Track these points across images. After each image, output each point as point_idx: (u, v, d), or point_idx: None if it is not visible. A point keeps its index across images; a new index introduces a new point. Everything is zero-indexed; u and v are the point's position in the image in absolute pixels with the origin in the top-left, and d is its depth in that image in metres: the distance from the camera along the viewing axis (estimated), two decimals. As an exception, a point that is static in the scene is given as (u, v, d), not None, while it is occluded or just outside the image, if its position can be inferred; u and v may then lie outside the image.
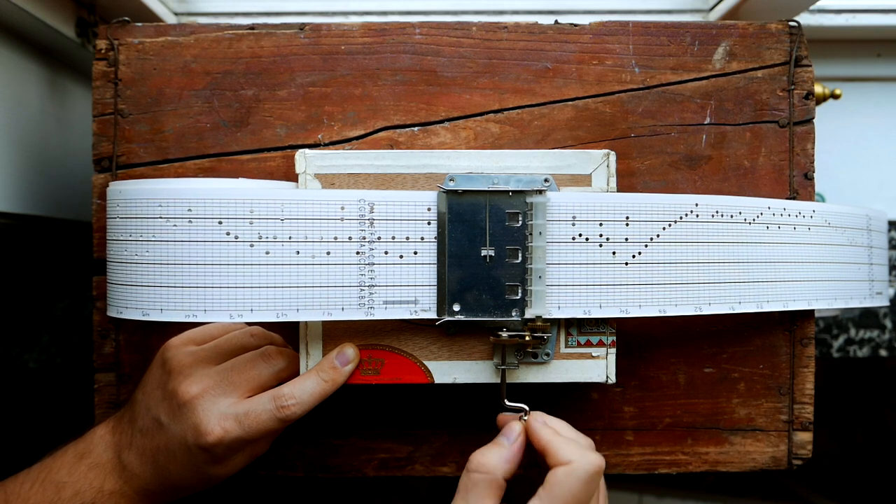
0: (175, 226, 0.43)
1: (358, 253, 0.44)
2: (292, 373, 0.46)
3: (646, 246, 0.45)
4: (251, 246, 0.43)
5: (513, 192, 0.44)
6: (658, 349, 0.53)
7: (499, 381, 0.46)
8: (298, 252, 0.43)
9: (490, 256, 0.44)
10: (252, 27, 0.52)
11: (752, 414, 0.53)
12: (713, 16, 0.70)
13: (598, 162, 0.46)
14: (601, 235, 0.45)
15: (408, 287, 0.44)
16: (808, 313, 0.53)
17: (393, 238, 0.44)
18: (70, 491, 0.43)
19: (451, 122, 0.52)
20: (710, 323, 0.53)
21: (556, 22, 0.53)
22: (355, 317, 0.44)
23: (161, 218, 0.43)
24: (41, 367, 0.74)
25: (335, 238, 0.44)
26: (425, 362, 0.46)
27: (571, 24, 0.53)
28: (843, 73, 0.76)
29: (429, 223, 0.44)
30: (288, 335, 0.48)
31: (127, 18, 0.53)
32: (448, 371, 0.46)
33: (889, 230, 0.73)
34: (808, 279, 0.50)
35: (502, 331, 0.44)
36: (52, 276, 0.75)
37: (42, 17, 0.58)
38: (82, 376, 0.68)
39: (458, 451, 0.53)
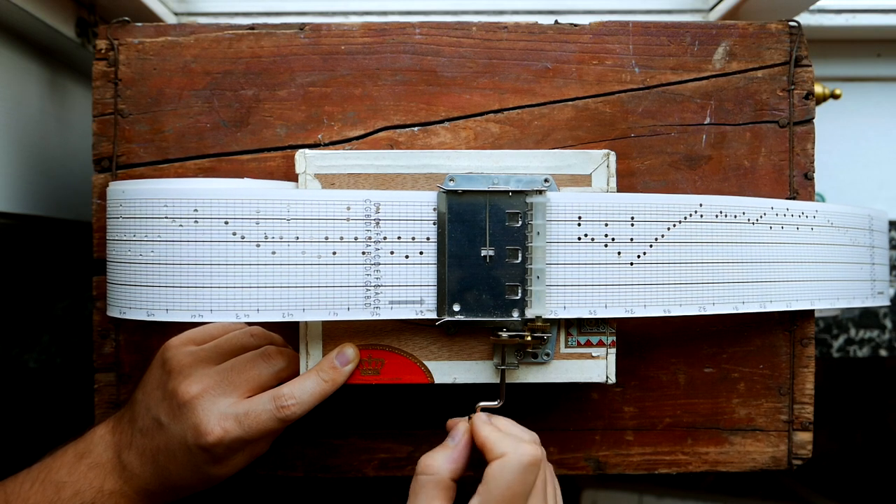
0: (181, 226, 0.43)
1: (364, 253, 0.44)
2: (292, 373, 0.46)
3: (650, 246, 0.45)
4: (257, 246, 0.43)
5: (513, 192, 0.44)
6: (658, 349, 0.53)
7: (499, 381, 0.46)
8: (304, 252, 0.43)
9: (490, 256, 0.44)
10: (252, 27, 0.52)
11: (752, 414, 0.53)
12: (713, 16, 0.70)
13: (598, 162, 0.46)
14: (606, 236, 0.45)
15: (414, 287, 0.44)
16: (808, 313, 0.53)
17: (399, 238, 0.44)
18: (70, 491, 0.43)
19: (451, 122, 0.52)
20: (710, 323, 0.53)
21: (556, 22, 0.53)
22: (361, 317, 0.44)
23: (166, 218, 0.43)
24: (41, 367, 0.74)
25: (341, 238, 0.44)
26: (425, 362, 0.46)
27: (571, 24, 0.53)
28: (843, 73, 0.76)
29: (433, 223, 0.44)
30: (288, 335, 0.48)
31: (127, 18, 0.53)
32: (448, 371, 0.46)
33: (889, 230, 0.73)
34: (811, 279, 0.51)
35: (502, 331, 0.44)
36: (52, 276, 0.75)
37: (42, 17, 0.58)
38: (82, 376, 0.68)
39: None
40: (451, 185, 0.44)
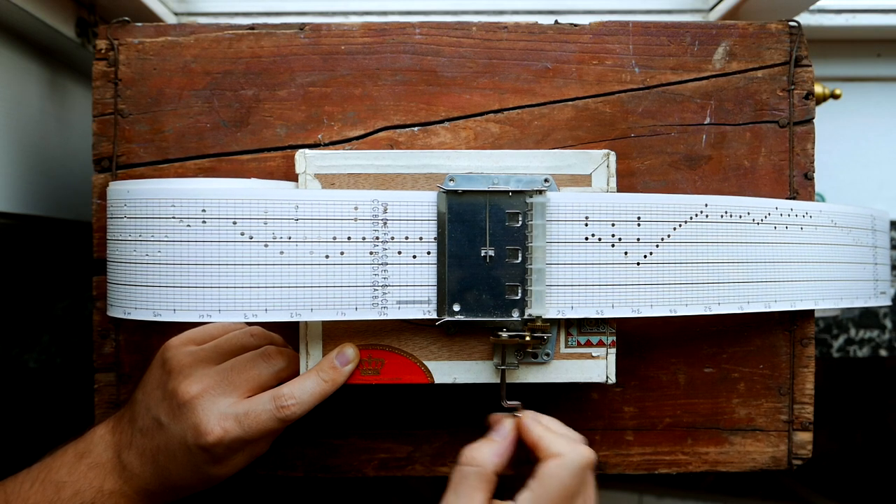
0: (189, 226, 0.43)
1: (371, 253, 0.44)
2: (292, 373, 0.46)
3: (657, 246, 0.46)
4: (266, 246, 0.43)
5: (513, 192, 0.44)
6: (658, 349, 0.53)
7: (499, 381, 0.46)
8: (312, 252, 0.43)
9: (490, 256, 0.44)
10: (252, 27, 0.52)
11: (752, 414, 0.53)
12: (713, 16, 0.70)
13: (598, 162, 0.46)
14: (613, 236, 0.45)
15: (421, 287, 0.44)
16: (809, 313, 0.53)
17: (406, 238, 0.44)
18: (70, 490, 0.43)
19: (451, 122, 0.52)
20: (710, 323, 0.53)
21: (556, 22, 0.53)
22: (369, 317, 0.44)
23: (174, 218, 0.43)
24: (41, 367, 0.74)
25: (349, 238, 0.44)
26: (425, 362, 0.46)
27: (571, 24, 0.53)
28: (843, 73, 0.76)
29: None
30: (288, 335, 0.48)
31: (127, 18, 0.53)
32: (448, 371, 0.46)
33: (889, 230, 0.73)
34: (815, 279, 0.51)
35: (502, 331, 0.44)
36: (52, 276, 0.75)
37: (42, 17, 0.58)
38: (82, 376, 0.68)
39: (458, 451, 0.53)
40: (451, 185, 0.44)
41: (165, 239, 0.43)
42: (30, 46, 0.63)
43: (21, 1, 0.56)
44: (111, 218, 0.46)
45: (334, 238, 0.44)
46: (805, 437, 0.53)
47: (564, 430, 0.43)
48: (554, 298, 0.45)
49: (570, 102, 0.52)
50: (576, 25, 0.53)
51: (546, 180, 0.45)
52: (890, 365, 1.01)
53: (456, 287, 0.44)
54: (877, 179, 0.77)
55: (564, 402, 0.53)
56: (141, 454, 0.44)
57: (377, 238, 0.44)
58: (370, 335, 0.46)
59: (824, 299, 0.51)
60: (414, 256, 0.44)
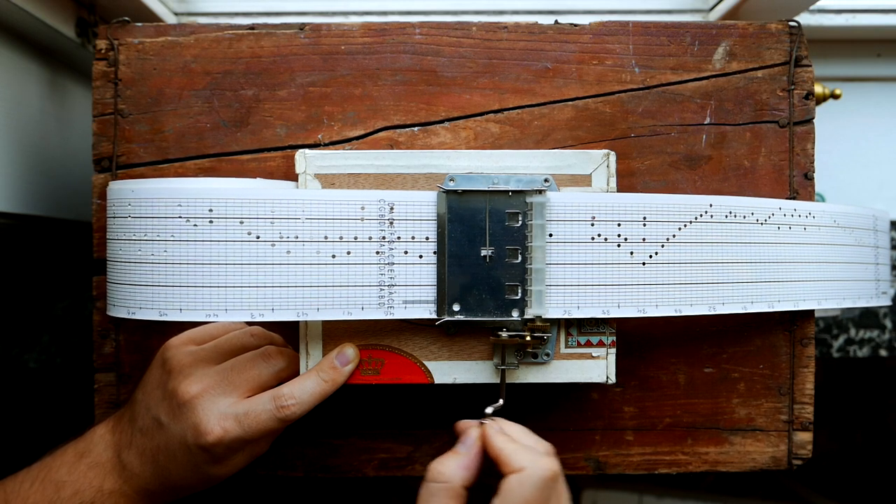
0: (195, 226, 0.43)
1: (378, 253, 0.44)
2: (292, 373, 0.46)
3: (662, 246, 0.46)
4: (272, 245, 0.43)
5: (512, 192, 0.44)
6: (658, 349, 0.53)
7: (499, 381, 0.46)
8: (319, 252, 0.43)
9: (490, 256, 0.44)
10: (252, 27, 0.52)
11: (752, 414, 0.53)
12: (713, 16, 0.70)
13: (598, 162, 0.46)
14: (619, 236, 0.45)
15: (428, 287, 0.44)
16: (809, 313, 0.53)
17: (412, 238, 0.44)
18: (70, 490, 0.43)
19: (451, 122, 0.52)
20: (710, 323, 0.53)
21: (556, 22, 0.53)
22: (375, 316, 0.44)
23: (180, 218, 0.43)
24: (41, 367, 0.74)
25: (355, 238, 0.44)
26: (425, 362, 0.46)
27: (571, 24, 0.53)
28: (843, 73, 0.76)
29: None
30: (288, 335, 0.48)
31: (127, 18, 0.53)
32: (448, 371, 0.46)
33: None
34: (818, 279, 0.51)
35: (502, 331, 0.44)
36: (52, 276, 0.75)
37: (42, 17, 0.58)
38: (82, 376, 0.68)
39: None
40: (451, 185, 0.44)
41: (171, 239, 0.43)
42: (30, 46, 0.63)
43: (21, 1, 0.56)
44: (113, 217, 0.46)
45: (341, 238, 0.44)
46: (805, 437, 0.53)
47: (531, 441, 0.41)
48: (560, 298, 0.45)
49: (570, 102, 0.52)
50: (576, 25, 0.53)
51: (546, 180, 0.45)
52: (890, 365, 1.01)
53: (456, 287, 0.44)
54: (877, 179, 0.77)
55: (564, 402, 0.53)
56: (141, 454, 0.44)
57: (383, 238, 0.44)
58: (370, 335, 0.46)
59: (827, 299, 0.51)
60: (420, 256, 0.44)
